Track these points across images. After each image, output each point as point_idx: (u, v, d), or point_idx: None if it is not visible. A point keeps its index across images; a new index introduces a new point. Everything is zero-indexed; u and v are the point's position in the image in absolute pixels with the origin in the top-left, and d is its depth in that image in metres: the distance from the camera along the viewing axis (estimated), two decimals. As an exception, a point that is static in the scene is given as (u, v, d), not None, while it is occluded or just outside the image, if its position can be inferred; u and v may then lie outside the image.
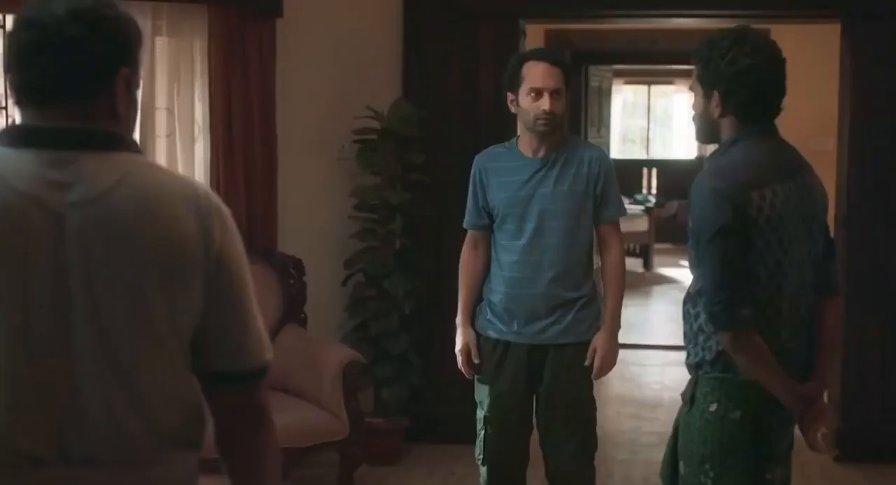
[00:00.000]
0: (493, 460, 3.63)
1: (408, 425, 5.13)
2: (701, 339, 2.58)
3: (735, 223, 2.45)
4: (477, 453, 3.68)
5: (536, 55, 3.54)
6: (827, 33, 5.53)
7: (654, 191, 13.20)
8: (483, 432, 3.63)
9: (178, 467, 1.66)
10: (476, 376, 3.66)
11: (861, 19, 5.02)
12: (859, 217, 5.06)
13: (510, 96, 3.53)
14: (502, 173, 3.56)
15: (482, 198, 3.59)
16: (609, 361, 3.58)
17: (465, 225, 3.71)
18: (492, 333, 3.60)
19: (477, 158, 3.66)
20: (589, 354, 3.55)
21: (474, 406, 3.70)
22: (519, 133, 3.67)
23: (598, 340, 3.55)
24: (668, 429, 2.76)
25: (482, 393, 3.64)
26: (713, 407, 2.55)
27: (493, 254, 3.61)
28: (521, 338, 3.56)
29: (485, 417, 3.62)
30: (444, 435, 5.10)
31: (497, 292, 3.58)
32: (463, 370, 3.68)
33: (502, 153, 3.61)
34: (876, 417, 5.09)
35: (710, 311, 2.50)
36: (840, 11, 5.10)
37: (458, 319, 3.68)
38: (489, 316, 3.61)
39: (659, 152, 15.20)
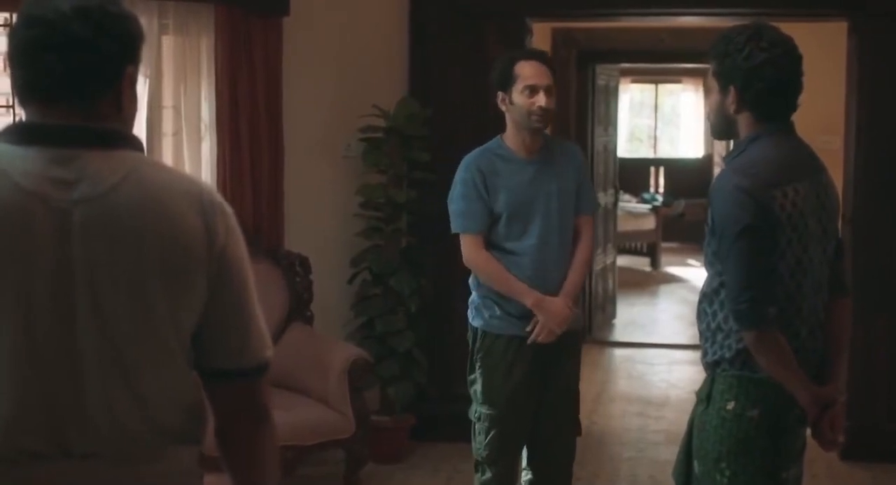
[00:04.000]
0: (502, 459, 3.59)
1: (413, 423, 5.13)
2: (719, 337, 2.56)
3: (760, 222, 2.44)
4: (481, 454, 3.61)
5: (527, 55, 3.65)
6: (834, 31, 5.52)
7: (661, 190, 13.20)
8: (493, 432, 3.56)
9: (178, 462, 1.66)
10: (485, 375, 3.59)
11: (868, 17, 5.02)
12: (865, 215, 5.06)
13: (501, 95, 3.58)
14: (505, 175, 3.56)
15: (488, 200, 3.55)
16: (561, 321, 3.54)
17: (466, 229, 3.57)
18: (505, 331, 3.57)
19: (470, 160, 3.61)
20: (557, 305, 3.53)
21: (468, 406, 3.66)
22: (507, 132, 3.63)
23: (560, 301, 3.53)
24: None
25: (492, 392, 3.57)
26: (730, 405, 2.53)
27: (496, 256, 3.56)
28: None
29: (496, 416, 3.56)
30: (450, 433, 5.09)
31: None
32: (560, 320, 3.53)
33: (496, 155, 3.60)
34: (882, 416, 5.08)
35: (735, 309, 2.48)
36: (847, 10, 5.10)
37: (530, 301, 3.50)
38: (499, 314, 3.57)
39: (666, 151, 15.15)
